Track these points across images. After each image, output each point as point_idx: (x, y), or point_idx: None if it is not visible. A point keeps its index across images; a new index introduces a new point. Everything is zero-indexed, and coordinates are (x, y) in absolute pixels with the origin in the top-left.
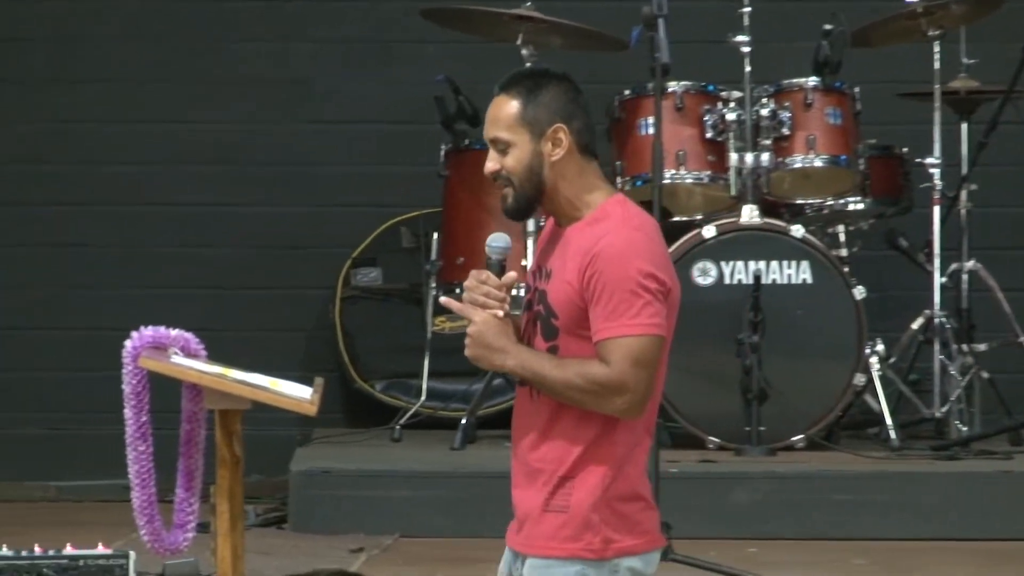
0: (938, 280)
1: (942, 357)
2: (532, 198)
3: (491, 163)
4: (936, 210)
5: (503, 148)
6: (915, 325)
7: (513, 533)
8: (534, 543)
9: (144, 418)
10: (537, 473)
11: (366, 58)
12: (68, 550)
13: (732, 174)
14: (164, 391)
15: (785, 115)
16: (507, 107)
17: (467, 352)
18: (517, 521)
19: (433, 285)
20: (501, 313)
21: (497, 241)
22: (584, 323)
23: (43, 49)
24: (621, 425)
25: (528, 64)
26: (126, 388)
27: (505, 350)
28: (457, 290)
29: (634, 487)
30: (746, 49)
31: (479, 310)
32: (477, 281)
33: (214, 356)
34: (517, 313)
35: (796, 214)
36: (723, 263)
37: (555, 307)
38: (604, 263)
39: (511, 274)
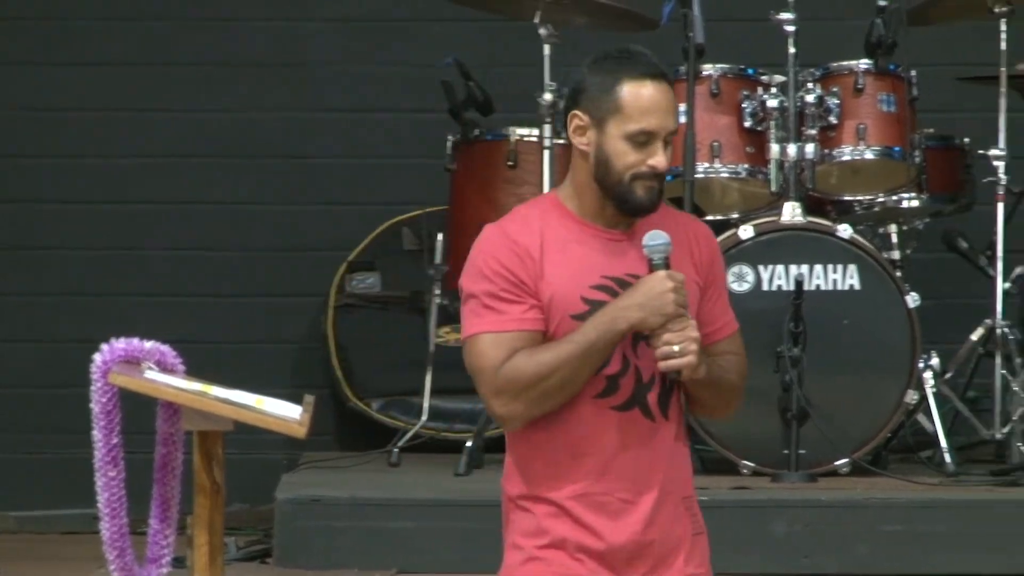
0: (1001, 286)
1: (1004, 372)
2: None
3: (666, 159)
4: (1000, 207)
5: (670, 140)
6: (975, 336)
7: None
8: (699, 570)
9: (115, 440)
10: (664, 499)
11: (367, 38)
12: None
13: (773, 168)
14: (137, 410)
15: (833, 102)
16: (672, 95)
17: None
18: (634, 559)
19: (437, 292)
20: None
21: (657, 239)
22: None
23: (16, 29)
24: None
25: (610, 48)
26: (95, 407)
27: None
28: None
29: None
30: (790, 28)
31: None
32: (687, 339)
33: (193, 371)
34: None
35: (843, 212)
36: (761, 267)
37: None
38: (717, 254)
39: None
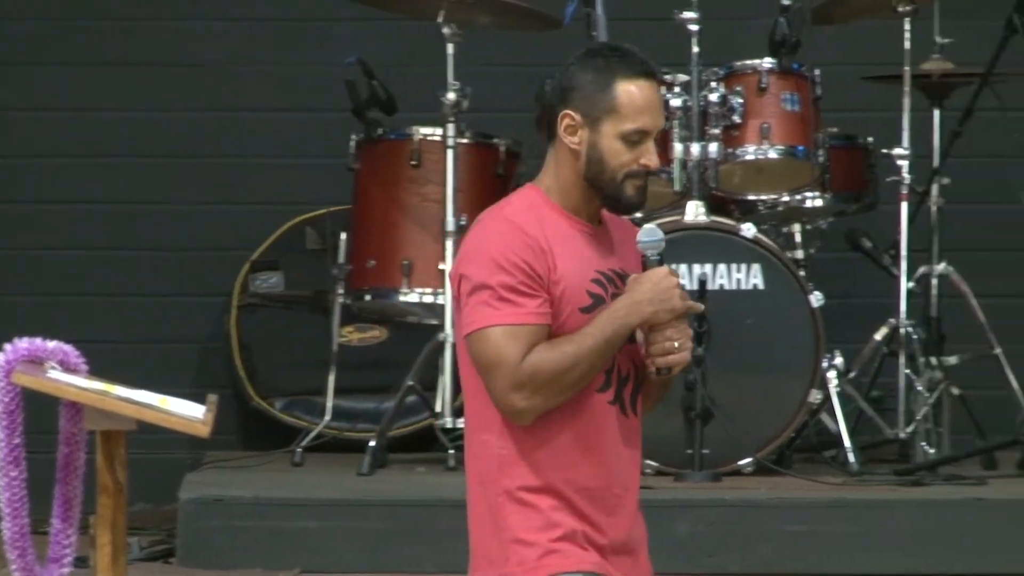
0: (905, 285)
1: (908, 371)
2: None
3: (656, 157)
4: (904, 207)
5: (658, 138)
6: (878, 336)
7: (629, 568)
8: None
9: (17, 440)
10: (637, 494)
11: (269, 38)
12: None
13: (676, 167)
14: (40, 410)
15: (736, 101)
16: (660, 92)
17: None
18: (621, 554)
19: (340, 292)
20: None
21: (653, 235)
22: None
23: None
24: None
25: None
26: None
27: None
28: (368, 297)
29: None
30: (694, 27)
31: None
32: (686, 336)
33: (96, 371)
34: None
35: (747, 211)
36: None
37: None
38: None
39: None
